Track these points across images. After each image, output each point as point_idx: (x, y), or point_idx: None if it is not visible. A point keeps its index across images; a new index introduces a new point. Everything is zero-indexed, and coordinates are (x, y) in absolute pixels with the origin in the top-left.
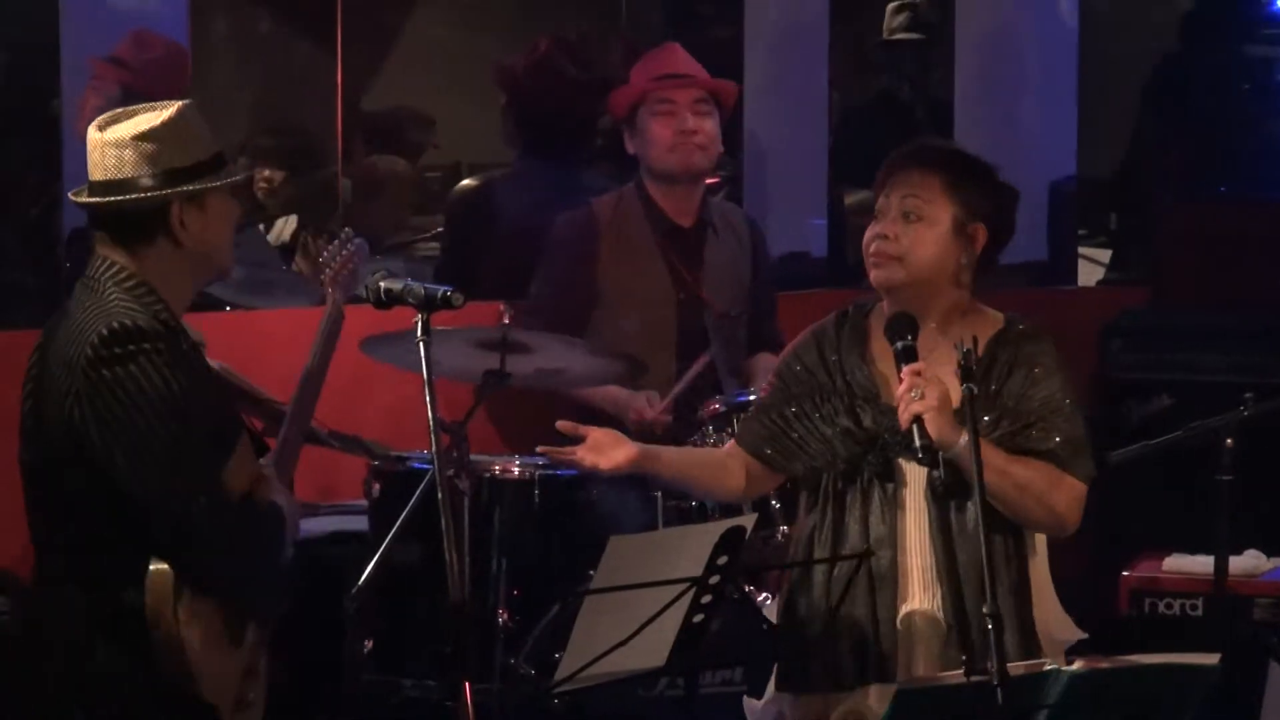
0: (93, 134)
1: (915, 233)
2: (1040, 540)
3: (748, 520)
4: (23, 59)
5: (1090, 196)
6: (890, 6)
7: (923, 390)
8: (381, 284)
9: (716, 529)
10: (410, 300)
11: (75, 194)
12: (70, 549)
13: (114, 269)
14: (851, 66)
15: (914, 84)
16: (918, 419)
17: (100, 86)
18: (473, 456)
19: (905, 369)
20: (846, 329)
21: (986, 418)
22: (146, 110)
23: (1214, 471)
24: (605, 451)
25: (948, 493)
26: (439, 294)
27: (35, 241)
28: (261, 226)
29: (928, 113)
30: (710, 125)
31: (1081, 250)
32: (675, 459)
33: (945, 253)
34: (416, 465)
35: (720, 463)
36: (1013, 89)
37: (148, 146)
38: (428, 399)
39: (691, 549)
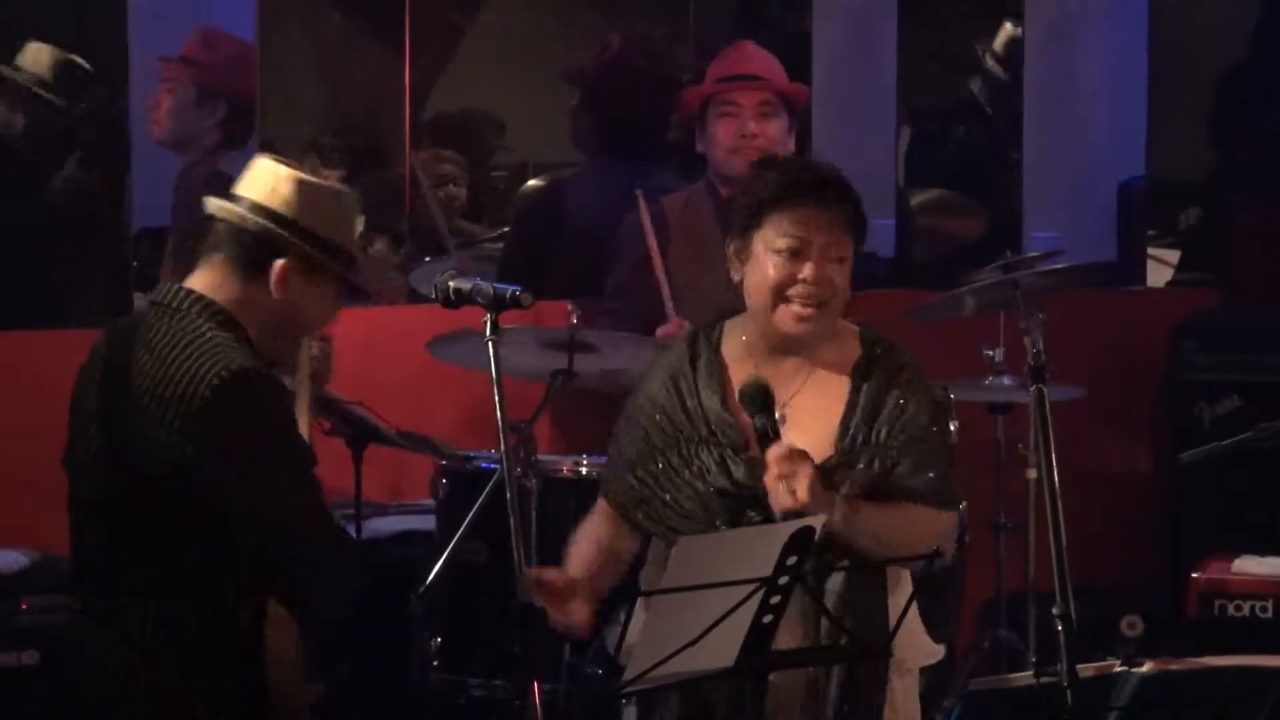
0: (265, 160)
1: (842, 277)
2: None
3: (818, 520)
4: (92, 59)
5: (1159, 197)
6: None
7: (793, 484)
8: (450, 283)
9: (785, 529)
10: (479, 300)
11: (219, 201)
12: (169, 568)
13: (200, 301)
14: (920, 67)
15: (983, 85)
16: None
17: (173, 87)
18: (540, 456)
19: (770, 454)
20: (701, 366)
21: (860, 464)
22: (324, 179)
23: None
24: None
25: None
26: (508, 294)
27: (103, 240)
28: None
29: (997, 114)
30: (773, 129)
31: (1151, 251)
32: (592, 585)
33: (846, 289)
34: (484, 465)
35: (610, 550)
36: (1082, 89)
37: (305, 197)
38: (496, 398)
39: (760, 549)
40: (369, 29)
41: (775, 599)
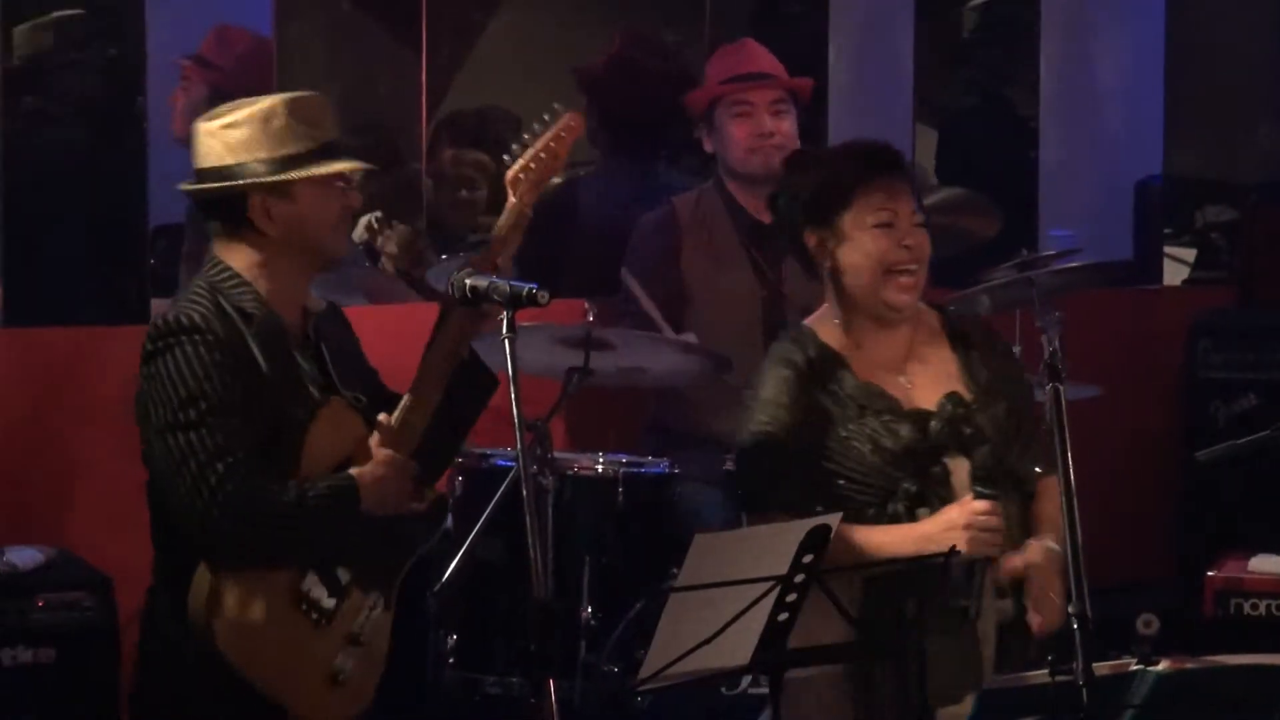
0: (197, 124)
1: (926, 241)
2: None
3: (833, 519)
4: (110, 56)
5: (1176, 195)
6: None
7: (995, 534)
8: (467, 281)
9: (801, 527)
10: (496, 297)
11: (183, 186)
12: (155, 546)
13: (213, 264)
14: (937, 64)
15: (1000, 82)
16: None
17: (189, 87)
18: (556, 454)
19: (982, 503)
20: (818, 363)
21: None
22: (247, 103)
23: None
24: None
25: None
26: (524, 291)
27: (121, 239)
28: None
29: (1013, 111)
30: (788, 125)
31: (1167, 249)
32: None
33: None
34: (500, 463)
35: None
36: (1099, 87)
37: (233, 136)
38: (512, 396)
39: (776, 547)
40: (385, 26)
41: (791, 597)
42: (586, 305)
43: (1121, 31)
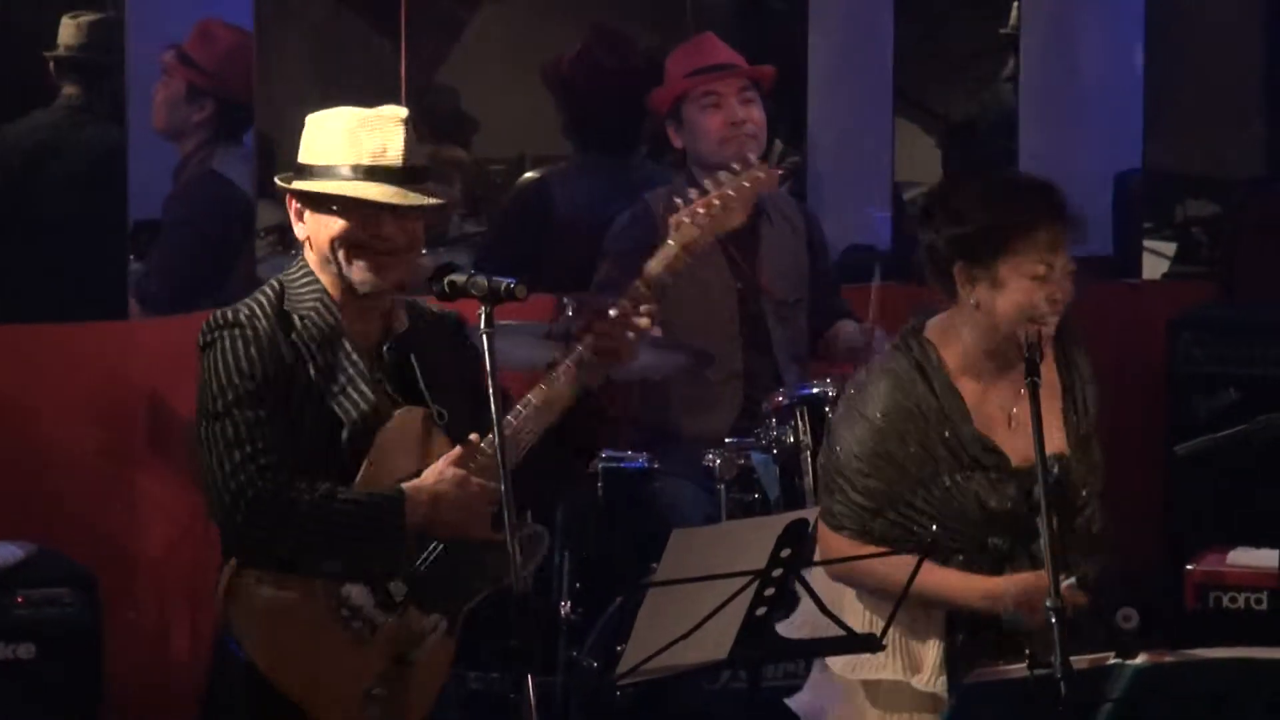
0: None
1: (1071, 288)
2: None
3: (810, 513)
4: (89, 49)
5: (1156, 190)
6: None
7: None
8: (445, 275)
9: (779, 522)
10: (474, 292)
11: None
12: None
13: (297, 258)
14: (918, 57)
15: (980, 75)
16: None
17: (169, 82)
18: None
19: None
20: (939, 390)
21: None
22: (348, 109)
23: None
24: None
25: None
26: (503, 286)
27: (102, 233)
28: None
29: (992, 104)
30: (757, 113)
31: (1147, 244)
32: None
33: None
34: None
35: None
36: (1078, 80)
37: (305, 135)
38: (490, 391)
39: (754, 542)
40: (365, 21)
41: (769, 591)
42: (565, 300)
43: (1102, 25)
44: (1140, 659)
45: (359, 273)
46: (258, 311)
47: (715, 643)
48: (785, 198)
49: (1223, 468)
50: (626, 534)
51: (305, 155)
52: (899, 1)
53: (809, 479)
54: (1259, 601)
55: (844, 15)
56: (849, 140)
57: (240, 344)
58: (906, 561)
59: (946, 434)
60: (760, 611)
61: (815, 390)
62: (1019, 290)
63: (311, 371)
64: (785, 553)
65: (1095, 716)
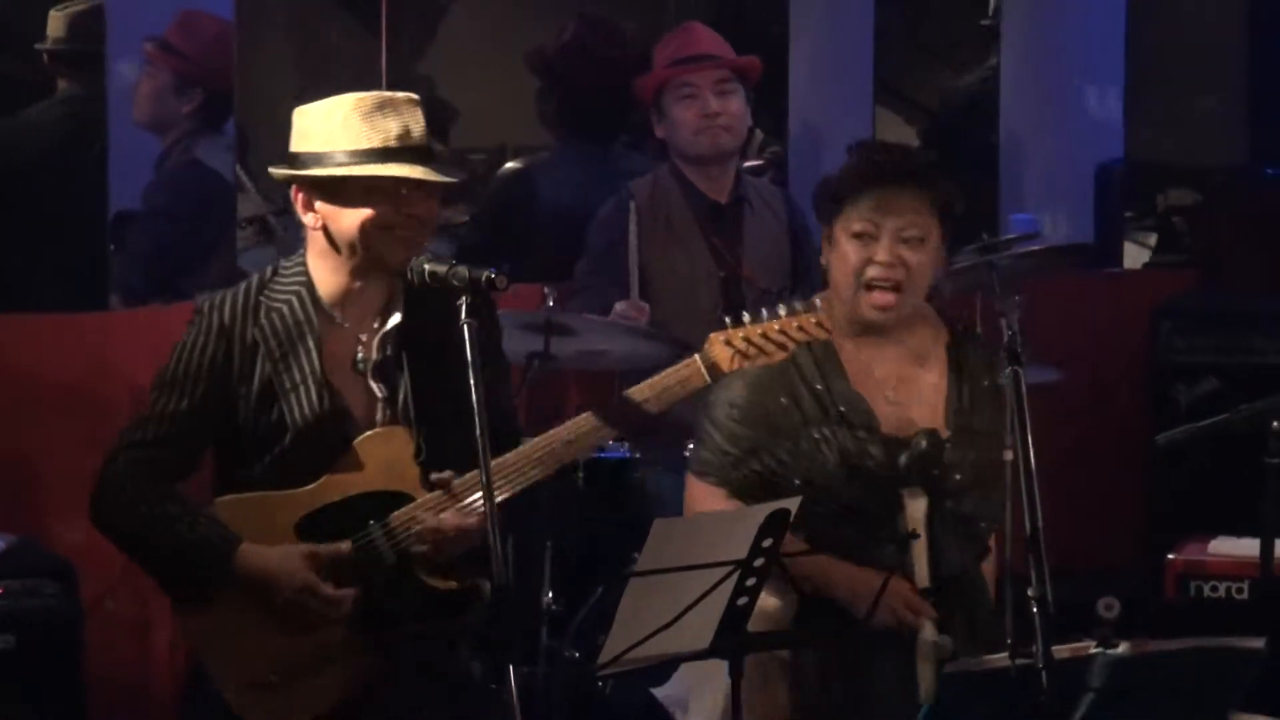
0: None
1: (919, 257)
2: None
3: (792, 503)
4: (70, 38)
5: (1138, 179)
6: None
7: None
8: (426, 266)
9: (760, 512)
10: (455, 283)
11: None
12: None
13: (298, 251)
14: (898, 47)
15: (960, 64)
16: None
17: (153, 72)
18: None
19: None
20: (820, 353)
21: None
22: (341, 96)
23: (1261, 455)
24: None
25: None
26: (483, 276)
27: (82, 222)
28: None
29: (973, 94)
30: (734, 104)
31: (1128, 233)
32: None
33: (932, 271)
34: None
35: None
36: (1059, 70)
37: (300, 124)
38: (471, 381)
39: (736, 532)
40: (346, 11)
41: (750, 581)
42: (546, 290)
43: (1081, 14)
44: (1121, 649)
45: (396, 251)
46: (226, 302)
47: (697, 633)
48: (768, 186)
49: (1204, 457)
50: (608, 524)
51: (309, 144)
52: None
53: None
54: (1240, 591)
55: (825, 4)
56: (830, 130)
57: (192, 333)
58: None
59: (818, 386)
60: (742, 601)
61: None
62: (846, 249)
63: (267, 367)
64: (767, 543)
65: (1077, 707)
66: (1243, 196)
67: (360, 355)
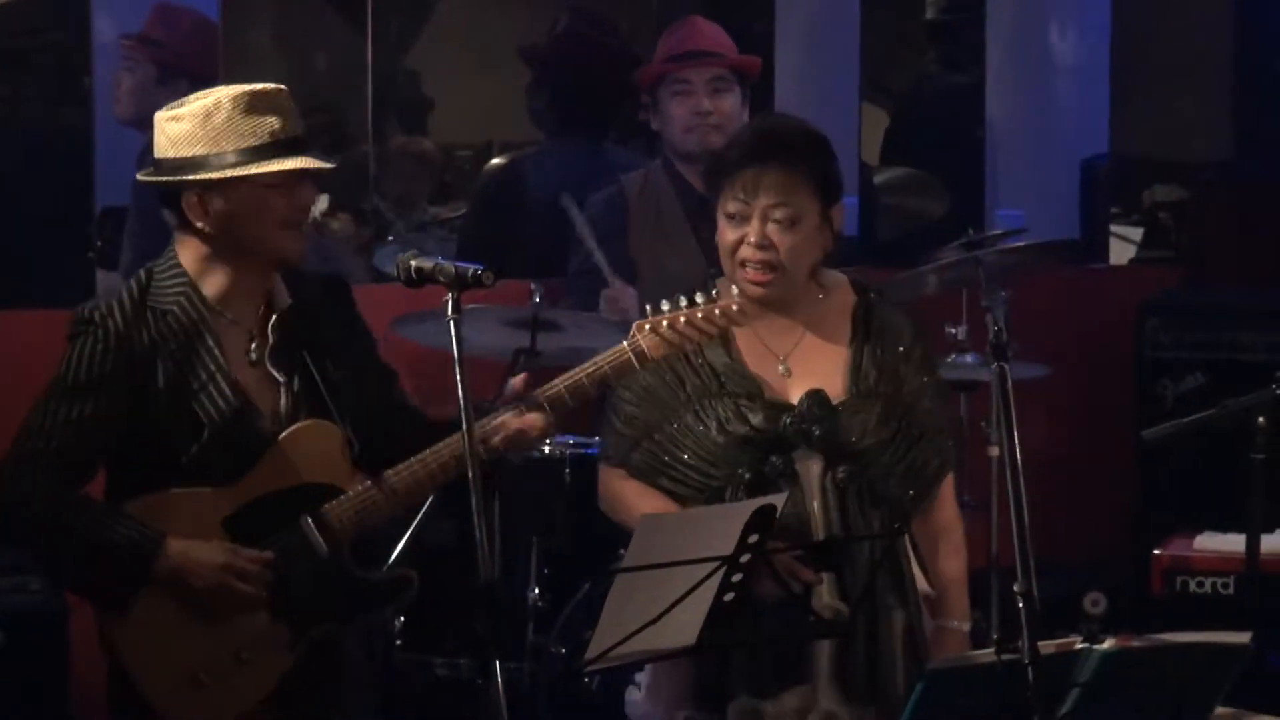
0: (157, 113)
1: (791, 238)
2: None
3: (779, 499)
4: (54, 36)
5: (1123, 174)
6: None
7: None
8: (412, 262)
9: (747, 507)
10: (441, 279)
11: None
12: None
13: (166, 255)
14: (885, 43)
15: (947, 60)
16: None
17: (134, 67)
18: None
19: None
20: None
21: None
22: (199, 96)
23: (1247, 450)
24: None
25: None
26: (470, 273)
27: (67, 220)
28: None
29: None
30: (728, 103)
31: (1114, 229)
32: None
33: (815, 247)
34: None
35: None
36: (1044, 65)
37: (175, 129)
38: (458, 378)
39: (722, 527)
40: (332, 4)
41: (737, 577)
42: (533, 286)
43: (1069, 9)
44: (1107, 644)
45: (294, 243)
46: (115, 309)
47: (683, 629)
48: None
49: (1190, 453)
50: (594, 520)
51: (192, 147)
52: None
53: None
54: (1226, 586)
55: (811, 2)
56: (816, 124)
57: (89, 344)
58: (661, 503)
59: (698, 361)
60: (728, 597)
61: None
62: (723, 228)
63: (170, 368)
64: (753, 538)
65: (1063, 702)
66: (1228, 192)
67: (254, 346)
